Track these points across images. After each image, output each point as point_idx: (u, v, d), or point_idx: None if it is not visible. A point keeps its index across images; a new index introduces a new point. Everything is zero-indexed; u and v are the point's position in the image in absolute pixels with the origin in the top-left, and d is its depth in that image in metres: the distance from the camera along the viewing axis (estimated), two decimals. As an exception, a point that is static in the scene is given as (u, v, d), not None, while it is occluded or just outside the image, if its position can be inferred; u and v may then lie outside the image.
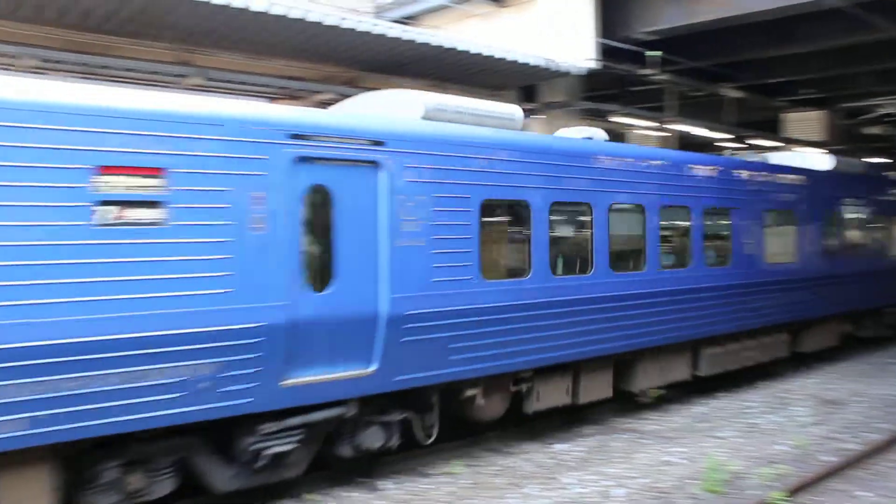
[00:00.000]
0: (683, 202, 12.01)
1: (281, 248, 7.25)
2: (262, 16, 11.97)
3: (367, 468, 9.05)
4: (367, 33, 13.29)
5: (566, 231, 10.70)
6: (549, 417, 11.32)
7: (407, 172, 8.31)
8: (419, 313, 8.35)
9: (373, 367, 8.02)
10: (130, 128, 6.45)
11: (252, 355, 7.05)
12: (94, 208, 6.27)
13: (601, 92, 21.28)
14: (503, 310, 9.23)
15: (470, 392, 9.39)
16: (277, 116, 7.49)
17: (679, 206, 11.97)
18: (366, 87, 14.94)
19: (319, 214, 7.70)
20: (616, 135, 22.42)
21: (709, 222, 12.53)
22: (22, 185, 5.94)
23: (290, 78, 14.37)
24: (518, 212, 9.79)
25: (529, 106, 18.15)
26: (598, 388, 11.09)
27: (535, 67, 16.10)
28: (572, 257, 10.54)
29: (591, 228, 10.49)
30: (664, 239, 11.67)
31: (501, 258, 10.00)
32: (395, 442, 8.76)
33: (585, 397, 10.90)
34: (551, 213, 9.93)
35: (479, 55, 14.94)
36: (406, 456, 9.59)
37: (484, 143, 9.22)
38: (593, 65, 17.02)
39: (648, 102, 22.64)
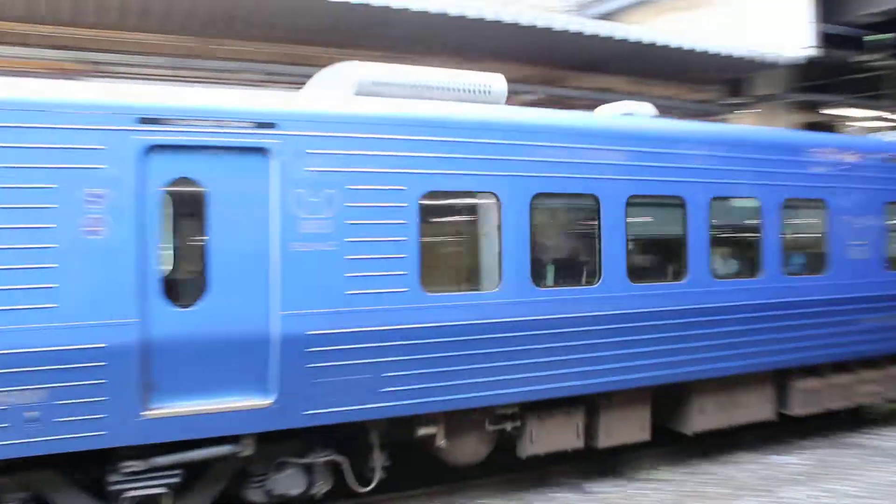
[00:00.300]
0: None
1: (128, 255, 6.12)
2: (459, 20, 12.19)
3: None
4: (565, 31, 13.17)
5: (555, 231, 8.59)
6: (768, 428, 10.55)
7: (310, 160, 6.79)
8: (329, 334, 6.81)
9: (270, 399, 6.65)
10: None
11: (93, 381, 6.01)
12: None
13: (812, 82, 19.87)
14: (460, 330, 7.37)
15: (425, 431, 7.70)
16: (118, 98, 6.30)
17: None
18: (568, 85, 14.84)
19: (186, 214, 6.56)
20: (827, 126, 20.89)
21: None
22: None
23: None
24: (479, 207, 7.83)
25: (737, 100, 17.32)
26: (626, 428, 8.86)
27: (740, 59, 15.31)
28: (571, 263, 8.42)
29: (599, 223, 8.20)
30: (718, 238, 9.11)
31: (454, 266, 8.10)
32: (320, 488, 7.30)
33: (608, 440, 8.75)
34: (534, 207, 7.81)
35: (679, 49, 14.41)
36: (613, 461, 9.41)
37: (426, 123, 7.37)
38: (812, 53, 15.86)
39: (864, 91, 20.84)
